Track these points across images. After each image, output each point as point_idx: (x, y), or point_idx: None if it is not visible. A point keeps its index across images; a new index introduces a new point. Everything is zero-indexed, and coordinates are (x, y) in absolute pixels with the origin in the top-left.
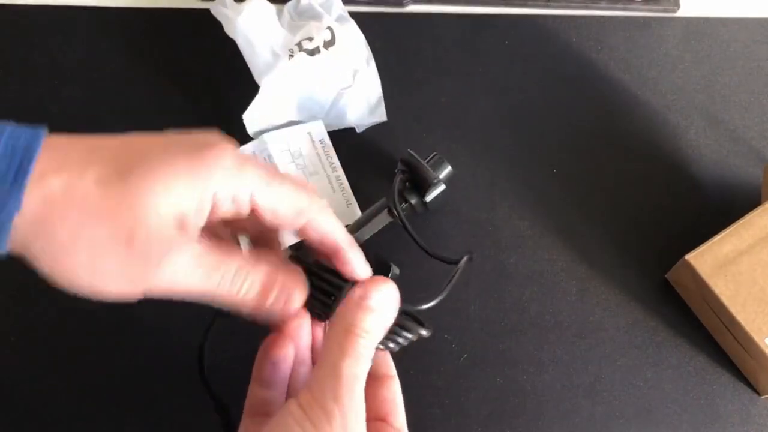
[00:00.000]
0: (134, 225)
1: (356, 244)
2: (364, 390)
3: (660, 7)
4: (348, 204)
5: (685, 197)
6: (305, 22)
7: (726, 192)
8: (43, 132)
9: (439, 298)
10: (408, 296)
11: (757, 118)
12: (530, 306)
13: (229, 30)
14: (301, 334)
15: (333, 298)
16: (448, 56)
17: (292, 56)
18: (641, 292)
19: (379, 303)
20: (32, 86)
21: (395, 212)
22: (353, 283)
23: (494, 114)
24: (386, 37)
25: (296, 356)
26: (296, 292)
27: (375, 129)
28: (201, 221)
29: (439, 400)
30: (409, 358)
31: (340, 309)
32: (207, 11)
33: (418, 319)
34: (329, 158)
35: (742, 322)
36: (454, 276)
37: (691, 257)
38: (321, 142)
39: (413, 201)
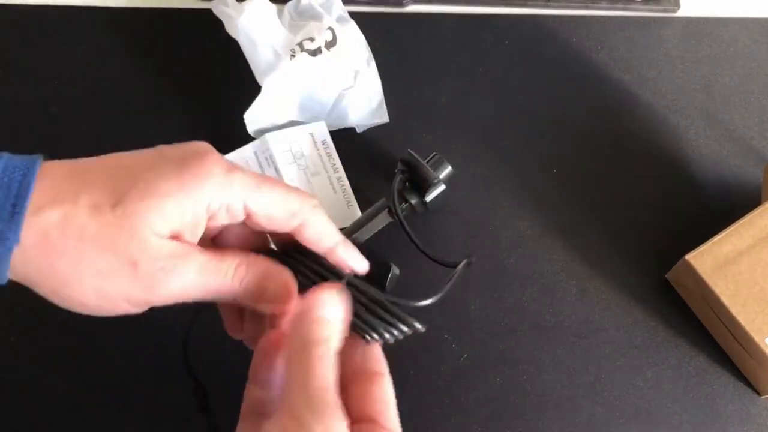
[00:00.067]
0: (136, 251)
1: (349, 241)
2: (338, 392)
3: (660, 7)
4: (349, 205)
5: (685, 197)
6: (306, 22)
7: (726, 192)
8: (38, 162)
9: (437, 296)
10: (408, 296)
11: (757, 118)
12: (530, 306)
13: (230, 29)
14: None
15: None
16: (448, 56)
17: (293, 56)
18: (641, 292)
19: (326, 309)
20: (32, 86)
21: (395, 213)
22: (354, 274)
23: (494, 114)
24: (386, 37)
25: None
26: (293, 280)
27: (375, 129)
28: (199, 233)
29: (439, 400)
30: (409, 358)
31: (293, 326)
32: (208, 11)
33: (403, 314)
34: (331, 159)
35: (742, 322)
36: (451, 279)
37: (691, 257)
38: (323, 143)
39: (413, 201)
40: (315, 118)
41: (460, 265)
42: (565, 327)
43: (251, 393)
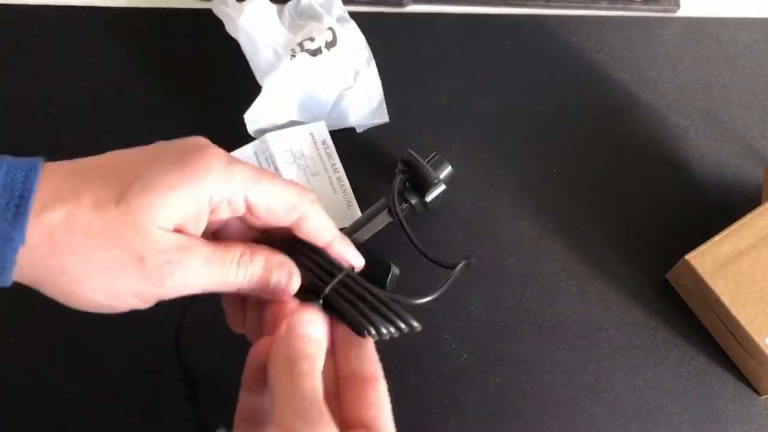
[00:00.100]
0: (142, 245)
1: (345, 236)
2: (324, 400)
3: (660, 7)
4: (349, 205)
5: (685, 197)
6: (306, 22)
7: (726, 192)
8: (40, 164)
9: (434, 295)
10: (408, 296)
11: (757, 118)
12: (530, 306)
13: (230, 29)
14: None
15: (330, 274)
16: (448, 56)
17: (294, 56)
18: (641, 292)
19: (312, 328)
20: (32, 86)
21: (395, 213)
22: (352, 269)
23: (494, 114)
24: (386, 37)
25: None
26: (295, 268)
27: (375, 129)
28: (202, 226)
29: (439, 400)
30: (409, 358)
31: (276, 342)
32: (208, 11)
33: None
34: (331, 159)
35: (742, 322)
36: (449, 279)
37: (691, 257)
38: (323, 143)
39: (413, 201)
40: (315, 118)
41: (458, 267)
42: (565, 327)
43: (244, 400)
